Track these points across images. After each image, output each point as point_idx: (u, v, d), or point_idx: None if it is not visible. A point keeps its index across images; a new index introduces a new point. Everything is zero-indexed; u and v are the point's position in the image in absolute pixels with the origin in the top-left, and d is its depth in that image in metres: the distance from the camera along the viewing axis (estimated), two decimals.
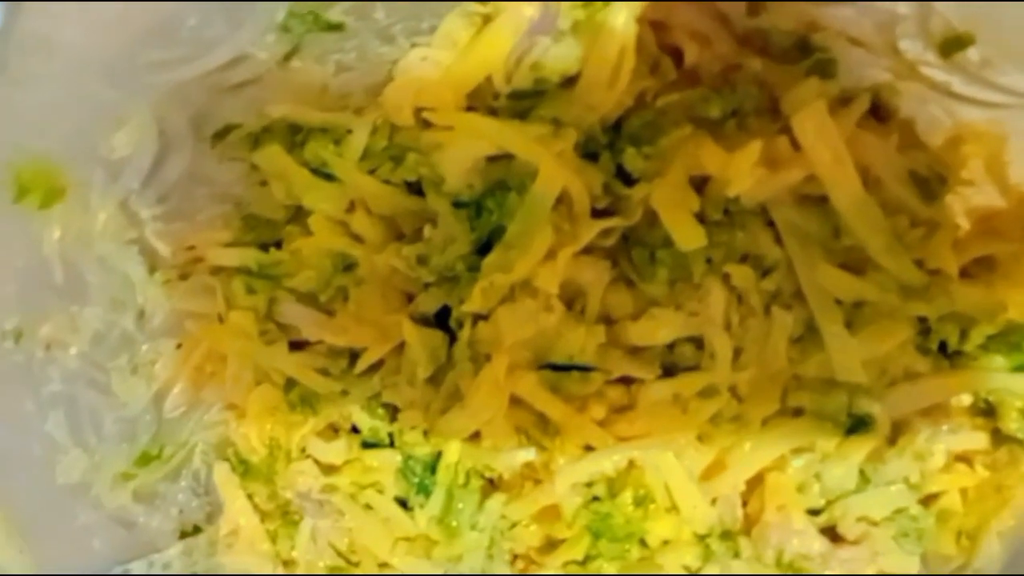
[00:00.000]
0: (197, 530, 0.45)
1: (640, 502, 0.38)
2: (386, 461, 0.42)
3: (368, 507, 0.42)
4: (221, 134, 0.38)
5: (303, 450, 0.43)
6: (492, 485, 0.42)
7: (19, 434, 0.37)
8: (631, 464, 0.38)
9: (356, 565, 0.44)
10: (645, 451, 0.37)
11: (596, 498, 0.39)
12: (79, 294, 0.37)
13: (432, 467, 0.41)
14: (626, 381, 0.39)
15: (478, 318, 0.36)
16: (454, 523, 0.41)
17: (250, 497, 0.45)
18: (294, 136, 0.40)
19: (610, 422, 0.38)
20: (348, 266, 0.39)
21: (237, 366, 0.40)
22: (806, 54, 0.36)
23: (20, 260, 0.33)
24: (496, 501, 0.40)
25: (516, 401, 0.37)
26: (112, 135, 0.33)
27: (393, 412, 0.41)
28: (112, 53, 0.30)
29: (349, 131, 0.38)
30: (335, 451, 0.42)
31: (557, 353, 0.36)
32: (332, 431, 0.44)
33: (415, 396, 0.37)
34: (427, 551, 0.42)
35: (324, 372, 0.39)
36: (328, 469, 0.43)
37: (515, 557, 0.44)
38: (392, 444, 0.42)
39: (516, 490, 0.41)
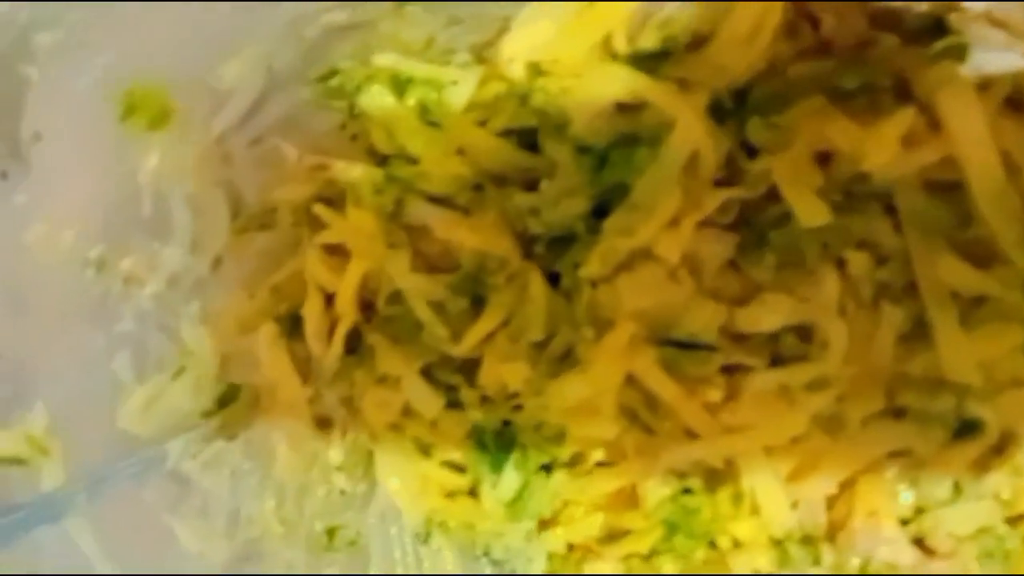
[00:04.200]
0: None
1: (738, 500, 0.36)
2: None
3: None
4: (325, 77, 0.37)
5: None
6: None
7: (87, 370, 0.35)
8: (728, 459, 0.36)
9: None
10: (752, 444, 0.35)
11: (688, 490, 0.38)
12: (163, 231, 0.36)
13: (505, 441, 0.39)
14: (727, 371, 0.37)
15: (599, 279, 0.34)
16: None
17: None
18: (395, 88, 0.39)
19: (713, 412, 0.36)
20: (477, 186, 0.37)
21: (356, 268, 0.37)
22: (939, 35, 0.34)
23: (114, 187, 0.32)
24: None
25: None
26: (224, 63, 0.32)
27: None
28: None
29: (455, 83, 0.37)
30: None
31: (680, 328, 0.34)
32: None
33: (517, 352, 0.35)
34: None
35: (439, 307, 0.36)
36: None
37: (571, 547, 0.42)
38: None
39: (581, 467, 0.39)
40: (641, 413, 0.36)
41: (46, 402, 0.34)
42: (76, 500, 0.36)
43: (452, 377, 0.38)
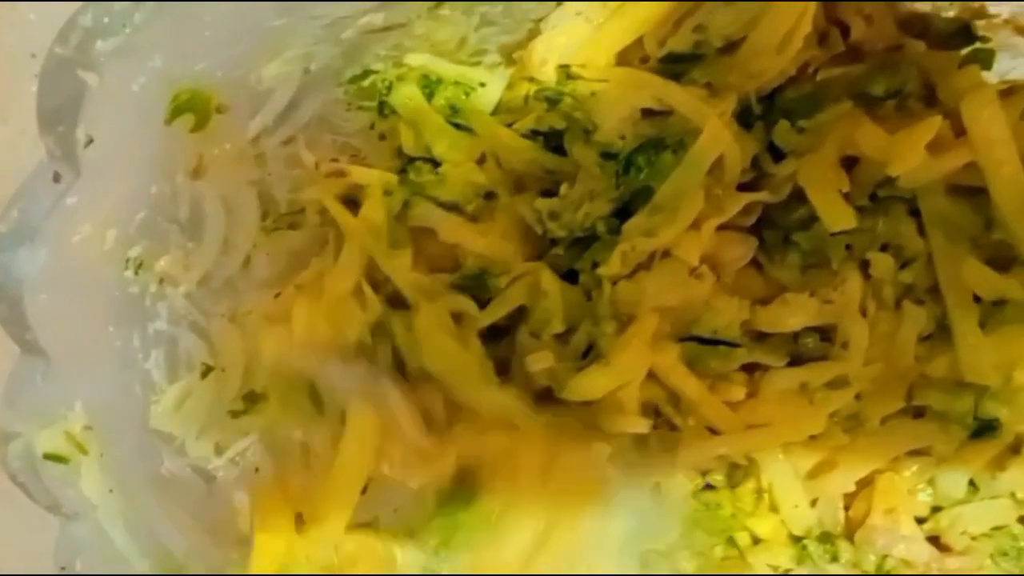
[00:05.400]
0: None
1: (761, 495, 0.37)
2: None
3: None
4: (358, 78, 0.37)
5: None
6: None
7: (125, 370, 0.36)
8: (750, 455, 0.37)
9: None
10: (772, 441, 0.35)
11: (709, 486, 0.38)
12: (197, 231, 0.36)
13: None
14: (747, 369, 0.38)
15: (619, 277, 0.35)
16: None
17: None
18: (424, 89, 0.39)
19: (735, 409, 0.36)
20: (489, 194, 0.37)
21: (349, 259, 0.37)
22: (966, 42, 0.35)
23: (155, 186, 0.33)
24: None
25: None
26: (264, 65, 0.32)
27: None
28: None
29: (483, 84, 0.38)
30: None
31: (703, 325, 0.35)
32: None
33: (540, 347, 0.35)
34: None
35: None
36: None
37: None
38: None
39: None
40: (664, 409, 0.36)
41: (84, 401, 0.34)
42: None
43: None
